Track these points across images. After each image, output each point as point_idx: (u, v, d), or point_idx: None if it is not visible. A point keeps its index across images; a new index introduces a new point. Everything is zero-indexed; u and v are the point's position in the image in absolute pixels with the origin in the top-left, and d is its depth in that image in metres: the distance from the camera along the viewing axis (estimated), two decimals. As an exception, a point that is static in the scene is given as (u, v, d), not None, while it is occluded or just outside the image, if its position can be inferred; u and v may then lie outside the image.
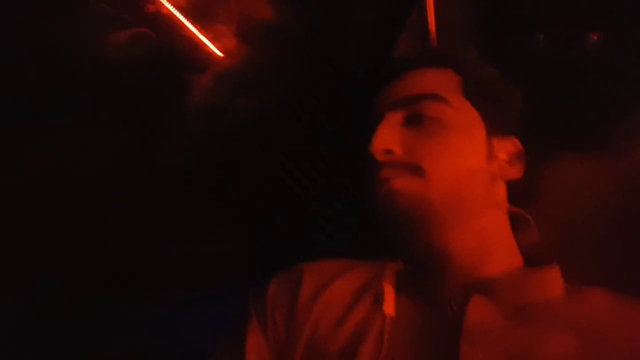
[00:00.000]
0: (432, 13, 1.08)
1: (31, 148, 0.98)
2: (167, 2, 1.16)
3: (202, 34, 1.21)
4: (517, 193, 0.76)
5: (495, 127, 0.75)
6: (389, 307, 0.70)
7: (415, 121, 0.73)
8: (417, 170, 0.70)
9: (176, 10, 1.18)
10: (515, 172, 0.76)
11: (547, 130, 0.81)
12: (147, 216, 1.00)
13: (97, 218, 0.98)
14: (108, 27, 1.07)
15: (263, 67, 1.17)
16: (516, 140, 0.77)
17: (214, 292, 0.93)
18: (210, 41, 1.22)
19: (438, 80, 0.76)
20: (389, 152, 0.72)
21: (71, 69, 0.98)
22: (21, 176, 0.96)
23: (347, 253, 0.81)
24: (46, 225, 0.96)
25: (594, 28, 0.95)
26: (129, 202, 1.00)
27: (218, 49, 1.22)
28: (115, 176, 1.00)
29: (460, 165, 0.71)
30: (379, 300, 0.71)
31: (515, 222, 0.76)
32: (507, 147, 0.76)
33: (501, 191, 0.76)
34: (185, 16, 1.19)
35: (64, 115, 0.96)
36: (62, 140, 0.97)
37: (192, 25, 1.20)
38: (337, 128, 1.02)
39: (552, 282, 0.70)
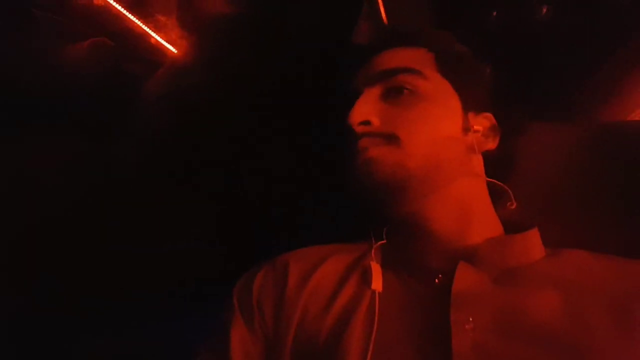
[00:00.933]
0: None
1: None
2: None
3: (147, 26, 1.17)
4: (494, 167, 0.78)
5: (470, 101, 0.77)
6: (377, 283, 0.71)
7: (392, 95, 0.75)
8: (393, 139, 0.72)
9: (120, 6, 1.13)
10: (490, 144, 0.78)
11: (515, 103, 0.83)
12: (113, 218, 0.96)
13: (62, 225, 0.93)
14: (59, 37, 1.02)
15: (214, 58, 1.14)
16: (490, 115, 0.79)
17: (194, 291, 0.90)
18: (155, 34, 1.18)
19: (413, 57, 0.78)
20: (366, 122, 0.74)
21: (26, 79, 0.93)
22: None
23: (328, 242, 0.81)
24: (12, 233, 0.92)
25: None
26: (93, 206, 0.96)
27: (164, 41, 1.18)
28: (76, 181, 0.95)
29: (435, 133, 0.73)
30: (366, 278, 0.72)
31: (495, 193, 0.78)
32: (482, 121, 0.78)
33: (478, 162, 0.78)
34: (128, 10, 1.14)
35: (21, 125, 0.91)
36: (22, 148, 0.92)
37: (136, 19, 1.15)
38: (294, 113, 1.02)
39: (532, 245, 0.73)
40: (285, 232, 0.96)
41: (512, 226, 0.76)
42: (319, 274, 0.74)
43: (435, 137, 0.73)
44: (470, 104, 0.77)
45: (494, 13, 0.98)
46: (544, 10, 0.94)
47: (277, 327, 0.71)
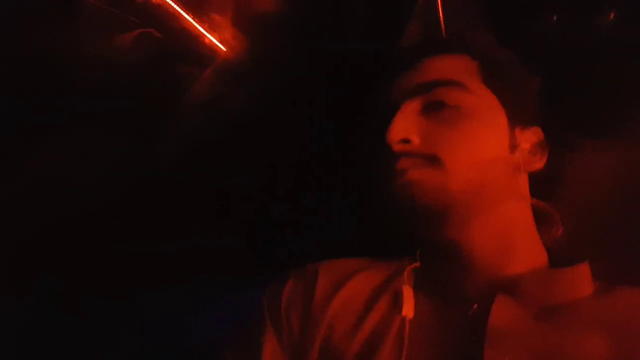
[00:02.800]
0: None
1: (32, 153, 0.96)
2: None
3: (200, 26, 1.18)
4: (540, 185, 0.73)
5: (517, 115, 0.72)
6: (408, 309, 0.68)
7: (433, 109, 0.71)
8: (434, 160, 0.68)
9: (173, 2, 1.15)
10: (538, 162, 0.73)
11: (566, 118, 0.78)
12: (149, 216, 0.98)
13: (98, 220, 0.96)
14: (107, 28, 1.04)
15: (262, 59, 1.14)
16: (538, 130, 0.74)
17: (215, 290, 0.91)
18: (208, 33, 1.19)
19: (455, 66, 0.73)
20: (406, 141, 0.70)
21: (70, 72, 0.96)
22: (21, 181, 0.95)
23: (348, 250, 0.79)
24: (47, 229, 0.95)
25: (610, 5, 0.91)
26: (133, 201, 0.98)
27: (217, 41, 1.19)
28: (117, 175, 0.98)
29: (480, 154, 0.69)
30: (397, 302, 0.69)
31: (539, 217, 0.73)
32: (530, 137, 0.73)
33: (524, 183, 0.73)
34: (182, 8, 1.16)
35: (64, 119, 0.94)
36: (65, 142, 0.95)
37: (191, 18, 1.17)
38: (337, 120, 1.00)
39: (581, 281, 0.68)
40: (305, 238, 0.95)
41: (558, 256, 0.71)
42: (347, 290, 0.72)
43: (480, 158, 0.68)
44: (517, 118, 0.72)
45: (554, 17, 0.91)
46: (611, 16, 0.87)
47: (303, 338, 0.70)
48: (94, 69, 0.99)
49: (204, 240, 1.01)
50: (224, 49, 1.17)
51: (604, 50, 0.88)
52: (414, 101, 0.72)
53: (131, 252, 0.98)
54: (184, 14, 1.16)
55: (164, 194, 1.00)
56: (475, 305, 0.66)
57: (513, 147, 0.71)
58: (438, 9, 0.99)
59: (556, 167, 0.74)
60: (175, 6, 1.15)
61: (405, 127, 0.70)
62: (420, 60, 0.74)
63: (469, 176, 0.67)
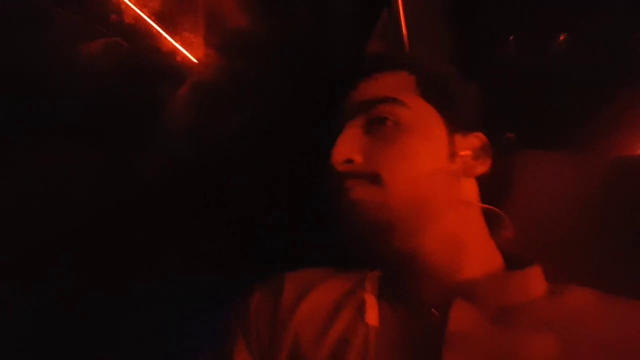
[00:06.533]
0: (403, 15, 1.08)
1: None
2: (139, 10, 1.15)
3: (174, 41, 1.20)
4: (489, 190, 0.75)
5: (456, 123, 0.74)
6: (372, 317, 0.69)
7: (374, 127, 0.73)
8: (376, 178, 0.70)
9: (148, 18, 1.17)
10: (482, 166, 0.75)
11: (519, 127, 0.81)
12: (131, 232, 0.99)
13: (77, 237, 0.96)
14: (79, 38, 1.05)
15: (236, 76, 1.16)
16: (481, 135, 0.76)
17: (206, 303, 0.92)
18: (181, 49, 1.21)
19: (392, 83, 0.76)
20: (349, 161, 0.72)
21: (43, 85, 0.97)
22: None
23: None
24: (33, 243, 0.95)
25: (564, 28, 0.96)
26: (112, 218, 0.98)
27: (191, 57, 1.21)
28: (94, 192, 0.98)
29: (418, 168, 0.70)
30: (361, 310, 0.70)
31: (491, 221, 0.75)
32: (472, 142, 0.75)
33: (469, 188, 0.75)
34: (158, 24, 1.18)
35: (34, 134, 0.94)
36: (37, 157, 0.96)
37: (164, 32, 1.19)
38: (316, 134, 1.02)
39: (534, 283, 0.69)
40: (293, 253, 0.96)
41: (512, 257, 0.73)
42: (312, 299, 0.73)
43: (419, 172, 0.70)
44: (457, 125, 0.74)
45: (512, 37, 0.96)
46: (561, 37, 0.91)
47: (271, 350, 0.71)
48: (65, 81, 1.00)
49: (190, 252, 1.02)
50: (195, 61, 1.19)
51: (553, 66, 0.91)
52: (356, 120, 0.74)
53: (117, 263, 0.98)
54: (159, 29, 1.18)
55: (135, 210, 1.00)
56: (435, 311, 0.67)
57: (453, 154, 0.73)
58: (397, 27, 1.03)
59: (505, 171, 0.76)
60: (150, 21, 1.17)
61: (348, 147, 0.72)
62: (361, 79, 0.77)
63: (408, 191, 0.69)
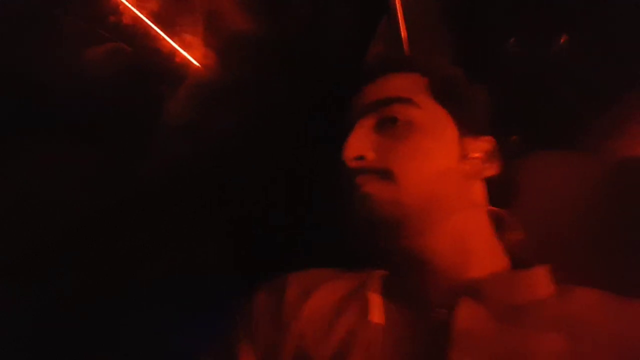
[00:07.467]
0: (402, 18, 1.08)
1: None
2: (140, 13, 1.15)
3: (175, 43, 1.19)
4: (497, 193, 0.75)
5: (467, 126, 0.75)
6: (376, 315, 0.69)
7: (386, 126, 0.73)
8: (387, 174, 0.70)
9: (149, 20, 1.16)
10: (491, 169, 0.75)
11: (522, 129, 0.81)
12: (129, 231, 0.98)
13: (77, 237, 0.95)
14: (81, 43, 1.05)
15: (236, 78, 1.16)
16: (491, 138, 0.76)
17: (206, 302, 0.91)
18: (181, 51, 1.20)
19: (405, 84, 0.76)
20: (360, 158, 0.72)
21: (45, 87, 0.96)
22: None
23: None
24: (33, 243, 0.95)
25: (566, 29, 0.96)
26: (112, 218, 0.98)
27: (192, 58, 1.21)
28: (95, 193, 0.98)
29: (430, 166, 0.71)
30: (365, 310, 0.70)
31: (499, 223, 0.75)
32: (481, 146, 0.75)
33: (478, 190, 0.75)
34: (157, 26, 1.17)
35: (39, 135, 0.94)
36: (39, 159, 0.95)
37: (165, 34, 1.18)
38: (315, 135, 1.02)
39: (541, 283, 0.69)
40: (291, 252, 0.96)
41: (521, 259, 0.72)
42: (316, 299, 0.73)
43: (431, 171, 0.70)
44: (468, 129, 0.74)
45: (513, 39, 0.96)
46: (566, 39, 0.92)
47: (275, 350, 0.70)
48: (65, 83, 0.99)
49: (190, 253, 1.01)
50: (197, 64, 1.18)
51: (557, 66, 0.92)
52: (368, 118, 0.74)
53: (117, 263, 0.97)
54: (159, 31, 1.17)
55: (135, 210, 1.00)
56: (440, 310, 0.67)
57: (463, 156, 0.73)
58: (398, 30, 1.03)
59: (513, 174, 0.76)
60: (150, 23, 1.16)
61: (360, 144, 0.72)
62: (374, 79, 0.77)
63: (420, 188, 0.69)
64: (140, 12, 1.12)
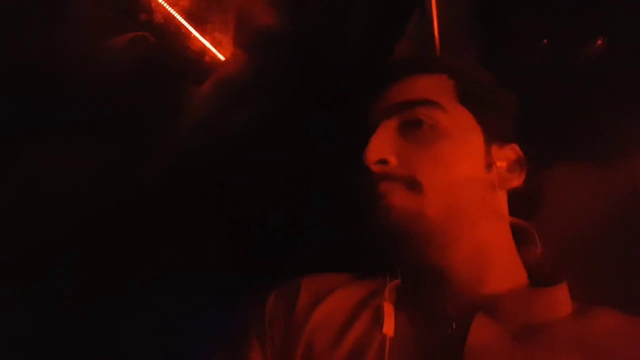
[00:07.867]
0: (435, 17, 1.06)
1: (24, 158, 0.97)
2: (169, 6, 1.15)
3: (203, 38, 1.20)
4: (519, 204, 0.73)
5: (493, 133, 0.73)
6: (389, 326, 0.68)
7: (410, 128, 0.71)
8: (413, 184, 0.68)
9: (177, 14, 1.17)
10: (516, 179, 0.73)
11: (548, 138, 0.78)
12: (140, 227, 0.99)
13: (89, 230, 0.96)
14: (105, 32, 1.05)
15: (261, 75, 1.15)
16: (516, 147, 0.74)
17: (206, 302, 0.91)
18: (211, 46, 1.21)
19: (432, 86, 0.74)
20: (383, 162, 0.70)
21: (67, 77, 0.97)
22: (9, 188, 0.96)
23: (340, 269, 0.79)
24: (37, 237, 0.96)
25: (597, 35, 0.92)
26: (112, 217, 0.99)
27: (220, 54, 1.21)
28: (109, 187, 0.99)
29: (456, 175, 0.69)
30: (378, 319, 0.69)
31: (518, 236, 0.73)
32: (507, 154, 0.73)
33: (501, 201, 0.73)
34: (186, 20, 1.18)
35: (58, 125, 0.95)
36: (58, 151, 0.96)
37: (192, 29, 1.19)
38: (337, 136, 1.01)
39: (559, 302, 0.67)
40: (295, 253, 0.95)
41: (538, 275, 0.71)
42: (327, 304, 0.72)
43: (457, 179, 0.68)
44: (494, 135, 0.73)
45: (545, 41, 0.92)
46: (599, 42, 0.88)
47: (285, 353, 0.70)
48: (86, 73, 1.00)
49: (191, 253, 1.02)
50: (222, 58, 1.18)
51: (586, 73, 0.88)
52: (392, 120, 0.72)
53: (117, 263, 0.98)
54: (188, 26, 1.18)
55: (135, 209, 1.00)
56: (454, 324, 0.66)
57: (489, 165, 0.71)
58: (430, 29, 1.01)
59: (536, 185, 0.74)
60: (181, 19, 1.17)
61: (383, 147, 0.70)
62: (398, 79, 0.75)
63: (446, 199, 0.67)
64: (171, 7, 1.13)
